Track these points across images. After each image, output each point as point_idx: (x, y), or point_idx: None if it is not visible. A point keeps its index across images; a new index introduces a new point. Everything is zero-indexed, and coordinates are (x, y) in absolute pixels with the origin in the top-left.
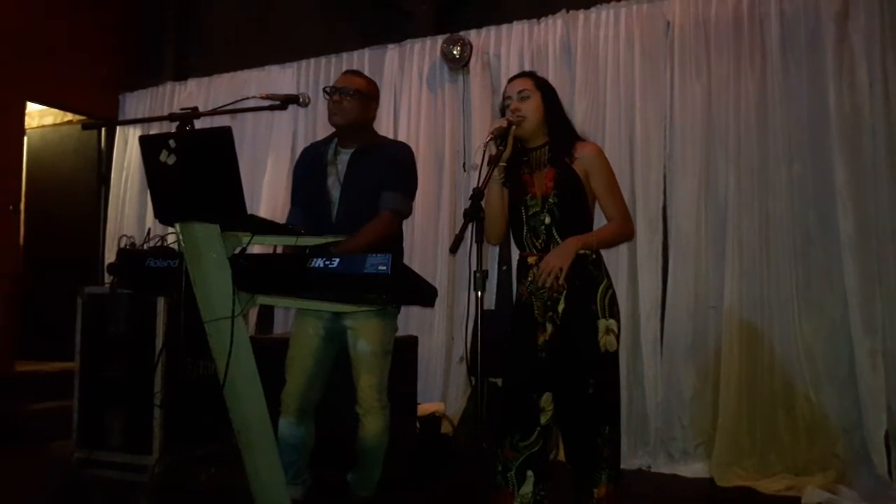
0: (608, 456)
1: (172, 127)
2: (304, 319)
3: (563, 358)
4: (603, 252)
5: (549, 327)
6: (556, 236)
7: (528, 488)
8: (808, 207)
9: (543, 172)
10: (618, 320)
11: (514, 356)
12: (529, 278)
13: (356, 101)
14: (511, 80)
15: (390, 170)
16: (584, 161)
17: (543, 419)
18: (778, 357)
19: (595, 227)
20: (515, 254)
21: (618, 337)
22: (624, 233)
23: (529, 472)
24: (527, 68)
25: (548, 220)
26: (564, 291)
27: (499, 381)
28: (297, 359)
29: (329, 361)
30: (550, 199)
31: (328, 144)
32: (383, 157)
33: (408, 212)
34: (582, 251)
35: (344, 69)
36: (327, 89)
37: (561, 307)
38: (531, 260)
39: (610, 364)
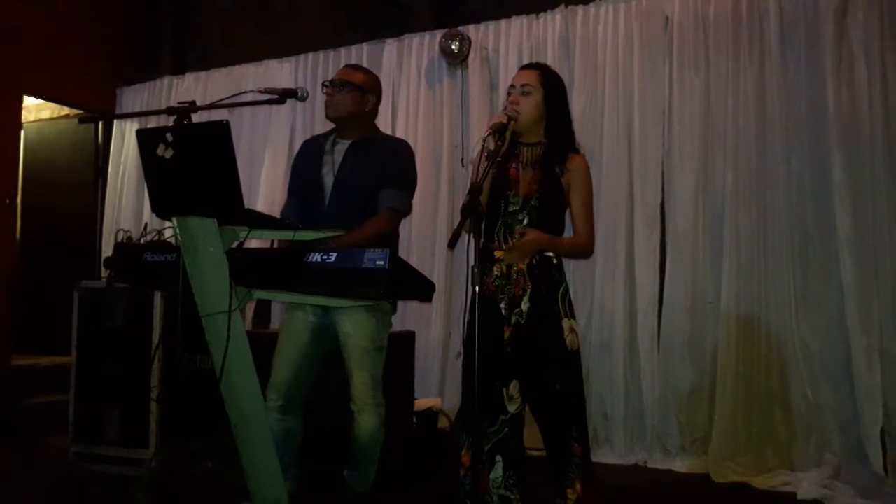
0: (580, 454)
1: (170, 121)
2: (294, 314)
3: (528, 356)
4: (601, 248)
5: (514, 321)
6: None
7: (497, 473)
8: (806, 204)
9: (530, 173)
10: (576, 321)
11: (478, 345)
12: (495, 272)
13: (349, 93)
14: (521, 68)
15: (390, 167)
16: (572, 175)
17: (512, 408)
18: (775, 353)
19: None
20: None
21: (578, 336)
22: (587, 249)
23: (498, 458)
24: (525, 63)
25: (525, 221)
26: (529, 291)
27: None
28: (285, 352)
29: (318, 357)
30: (532, 202)
31: (328, 137)
32: (381, 152)
33: (407, 210)
34: (548, 254)
35: (342, 64)
36: (325, 83)
37: (525, 306)
38: (498, 254)
39: (575, 362)
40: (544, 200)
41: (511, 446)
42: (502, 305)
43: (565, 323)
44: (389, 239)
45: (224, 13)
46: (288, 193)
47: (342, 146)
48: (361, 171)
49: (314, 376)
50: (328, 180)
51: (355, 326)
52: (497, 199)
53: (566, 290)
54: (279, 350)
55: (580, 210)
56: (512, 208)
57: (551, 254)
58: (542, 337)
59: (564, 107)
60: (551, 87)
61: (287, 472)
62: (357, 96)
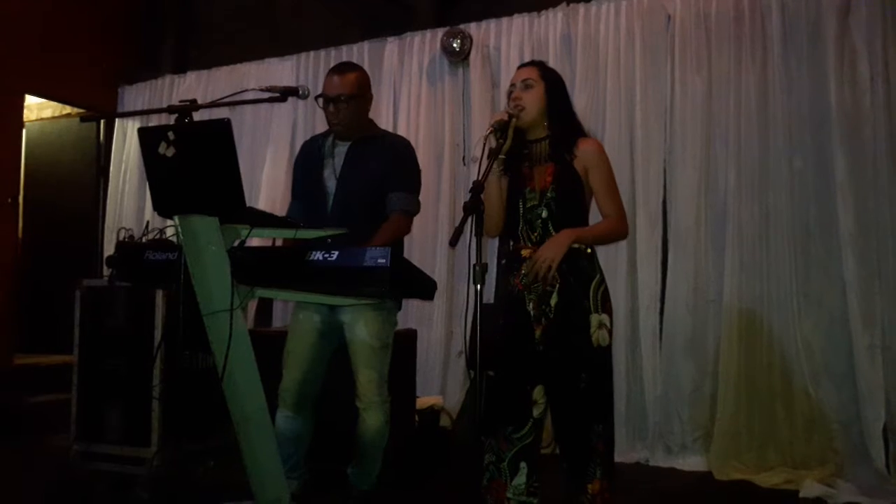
0: (602, 451)
1: (171, 119)
2: (303, 313)
3: (555, 352)
4: (602, 246)
5: (544, 321)
6: (552, 231)
7: (521, 479)
8: (808, 202)
9: (543, 167)
10: (610, 315)
11: (507, 348)
12: (524, 271)
13: (350, 105)
14: (519, 67)
15: (394, 169)
16: (584, 158)
17: (536, 412)
18: (777, 351)
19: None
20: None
21: (610, 332)
22: (619, 231)
23: (523, 464)
24: (522, 63)
25: (545, 214)
26: (557, 286)
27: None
28: (294, 352)
29: (327, 355)
30: (549, 194)
31: (327, 137)
32: (383, 151)
33: (417, 210)
34: (575, 245)
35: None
36: (319, 100)
37: (554, 301)
38: (525, 253)
39: (602, 359)
40: (560, 191)
41: (534, 452)
42: (530, 306)
43: (594, 318)
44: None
45: (225, 11)
46: (292, 196)
47: (342, 147)
48: (363, 173)
49: (324, 375)
50: (330, 184)
51: (361, 325)
52: (515, 199)
53: (600, 283)
54: (288, 350)
55: (603, 192)
56: (530, 204)
57: (580, 245)
58: (569, 333)
59: (566, 97)
60: (551, 79)
61: (295, 472)
62: (359, 103)
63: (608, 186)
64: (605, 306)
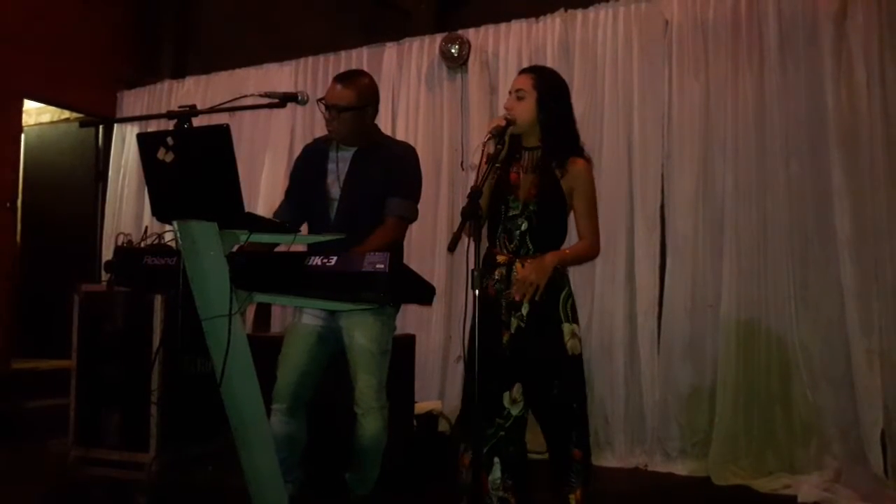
0: (580, 458)
1: (170, 125)
2: (301, 318)
3: (527, 360)
4: (601, 251)
5: (514, 326)
6: (529, 243)
7: (495, 475)
8: (805, 207)
9: (531, 177)
10: (579, 325)
11: (479, 347)
12: (496, 276)
13: (348, 115)
14: (519, 73)
15: (395, 174)
16: (572, 178)
17: (515, 410)
18: (775, 356)
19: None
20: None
21: (581, 341)
22: (593, 254)
23: (496, 460)
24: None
25: (524, 226)
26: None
27: None
28: (290, 354)
29: (323, 360)
30: (531, 207)
31: (330, 142)
32: (386, 158)
33: (414, 217)
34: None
35: (343, 68)
36: (320, 103)
37: (525, 310)
38: (500, 258)
39: (575, 367)
40: (543, 205)
41: (509, 449)
42: (502, 311)
43: (566, 327)
44: (394, 246)
45: (225, 17)
46: (285, 196)
47: (346, 153)
48: (368, 182)
49: (319, 379)
50: (334, 191)
51: (361, 330)
52: (498, 203)
53: (569, 295)
54: (284, 353)
55: (584, 213)
56: (512, 213)
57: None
58: (542, 342)
59: (562, 109)
60: (545, 90)
61: (289, 476)
62: (358, 114)
63: (589, 208)
64: (574, 316)
